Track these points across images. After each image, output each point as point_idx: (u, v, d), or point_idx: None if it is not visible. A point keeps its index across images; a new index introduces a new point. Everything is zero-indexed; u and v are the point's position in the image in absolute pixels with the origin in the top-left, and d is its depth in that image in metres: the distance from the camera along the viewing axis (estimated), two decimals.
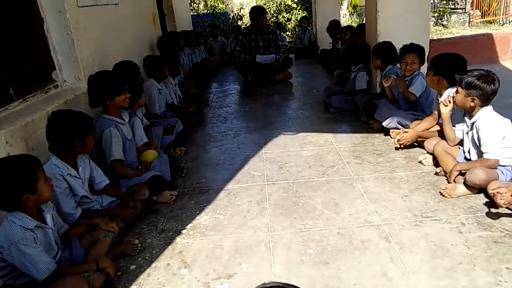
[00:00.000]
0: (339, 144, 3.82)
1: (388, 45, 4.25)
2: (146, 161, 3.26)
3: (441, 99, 3.15)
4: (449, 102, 2.98)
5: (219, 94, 6.24)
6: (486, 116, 2.72)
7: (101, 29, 4.00)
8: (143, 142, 3.35)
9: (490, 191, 2.42)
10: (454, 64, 3.15)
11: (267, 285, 0.81)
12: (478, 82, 2.67)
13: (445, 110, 3.02)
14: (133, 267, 2.28)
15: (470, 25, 13.97)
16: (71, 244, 2.17)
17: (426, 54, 4.07)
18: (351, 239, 2.37)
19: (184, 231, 2.60)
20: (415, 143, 3.59)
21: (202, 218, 2.74)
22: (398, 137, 3.52)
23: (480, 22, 14.05)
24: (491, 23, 13.88)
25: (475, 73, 2.71)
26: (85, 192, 2.54)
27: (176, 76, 5.17)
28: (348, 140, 3.93)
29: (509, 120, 2.72)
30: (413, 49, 3.78)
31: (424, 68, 3.88)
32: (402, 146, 3.53)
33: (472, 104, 2.75)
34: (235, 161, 3.63)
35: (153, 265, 2.29)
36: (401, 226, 2.46)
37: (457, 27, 13.91)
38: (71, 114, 2.45)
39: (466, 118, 2.91)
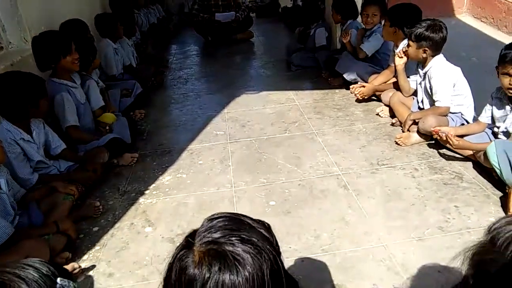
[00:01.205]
0: (301, 100, 3.85)
1: None
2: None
3: (397, 50, 3.21)
4: (403, 54, 3.05)
5: (179, 55, 6.08)
6: (437, 65, 2.81)
7: None
8: (99, 105, 3.25)
9: (431, 129, 2.56)
10: (409, 14, 3.19)
11: (215, 216, 0.84)
12: (427, 33, 2.74)
13: (399, 62, 3.09)
14: (95, 228, 2.27)
15: None
16: (29, 209, 2.11)
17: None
18: (311, 189, 2.45)
19: (147, 192, 2.60)
20: (373, 97, 3.67)
21: (165, 178, 2.74)
22: (356, 92, 3.59)
23: None
24: None
25: (423, 24, 2.77)
26: (40, 157, 2.45)
27: (132, 36, 4.97)
28: (309, 96, 3.96)
29: (459, 68, 2.82)
30: (374, 1, 3.77)
31: None
32: (360, 98, 3.60)
33: (424, 55, 2.83)
34: (197, 121, 3.61)
35: (116, 225, 2.29)
36: (358, 174, 2.55)
37: None
38: (22, 75, 2.32)
39: (419, 69, 2.99)
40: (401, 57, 3.07)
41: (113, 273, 1.95)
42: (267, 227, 0.87)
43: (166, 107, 4.04)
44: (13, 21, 3.20)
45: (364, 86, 3.57)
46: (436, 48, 2.81)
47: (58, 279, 0.90)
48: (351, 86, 3.75)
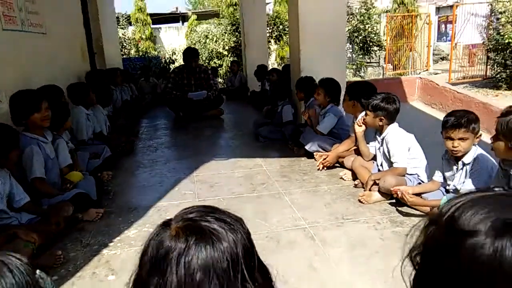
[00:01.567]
0: (268, 166, 3.99)
1: (309, 79, 4.64)
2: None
3: (356, 120, 3.49)
4: (362, 124, 3.33)
5: (149, 128, 6.23)
6: (393, 131, 3.08)
7: (26, 55, 3.93)
8: (66, 163, 3.25)
9: (391, 188, 2.73)
10: (365, 89, 3.54)
11: (190, 206, 0.89)
12: (382, 104, 3.04)
13: (359, 130, 3.36)
14: (55, 277, 2.16)
15: (384, 76, 15.49)
16: None
17: (343, 92, 4.43)
18: (279, 241, 2.48)
19: (111, 244, 2.53)
20: (336, 164, 3.87)
21: (131, 232, 2.69)
22: (321, 160, 3.79)
23: (392, 75, 15.64)
24: (401, 75, 15.52)
25: (378, 96, 3.10)
26: (3, 206, 2.39)
27: (106, 106, 5.12)
28: (276, 163, 4.11)
29: (412, 135, 3.10)
30: (319, 83, 4.23)
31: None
32: (325, 167, 3.79)
33: (380, 123, 3.11)
34: (165, 183, 3.63)
35: (78, 274, 2.19)
36: (324, 227, 2.62)
37: (373, 79, 15.34)
38: None
39: (377, 136, 3.25)
40: (360, 126, 3.35)
41: None
42: (240, 218, 0.92)
43: (134, 171, 4.06)
44: None
45: (328, 155, 3.78)
46: (391, 117, 3.10)
47: (37, 271, 0.90)
48: (315, 153, 3.97)
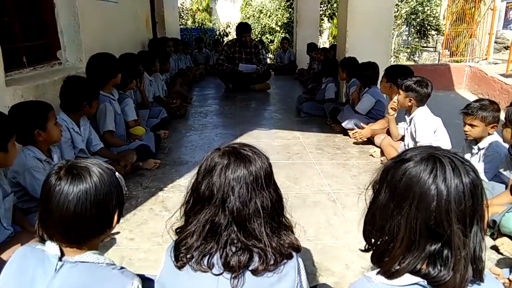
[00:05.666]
0: (305, 139, 4.36)
1: (353, 60, 4.88)
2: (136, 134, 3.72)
3: (391, 104, 3.75)
4: (396, 105, 3.58)
5: (201, 96, 6.75)
6: (421, 113, 3.33)
7: (102, 21, 4.50)
8: (133, 118, 3.80)
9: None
10: (402, 73, 3.77)
11: (232, 142, 1.30)
12: (414, 86, 3.29)
13: (391, 113, 3.62)
14: None
15: (439, 63, 15.03)
16: None
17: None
18: (305, 200, 2.88)
19: (165, 188, 3.05)
20: (367, 141, 4.16)
21: (182, 181, 3.20)
22: (356, 134, 4.10)
23: (449, 61, 15.10)
24: (458, 62, 14.98)
25: (413, 79, 3.34)
26: (83, 146, 2.96)
27: (164, 73, 5.66)
28: (313, 137, 4.47)
29: (439, 119, 3.34)
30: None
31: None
32: (359, 140, 4.10)
33: (409, 103, 3.36)
34: (213, 145, 4.11)
35: (138, 208, 2.73)
36: (346, 194, 2.99)
37: (422, 64, 14.94)
38: (84, 80, 2.92)
39: (406, 116, 3.51)
40: (394, 109, 3.59)
41: (134, 238, 2.36)
42: (266, 155, 1.33)
43: (186, 133, 4.58)
44: (74, 44, 3.89)
45: (363, 129, 4.08)
46: (421, 100, 3.34)
47: (116, 173, 1.35)
48: (349, 131, 4.28)
